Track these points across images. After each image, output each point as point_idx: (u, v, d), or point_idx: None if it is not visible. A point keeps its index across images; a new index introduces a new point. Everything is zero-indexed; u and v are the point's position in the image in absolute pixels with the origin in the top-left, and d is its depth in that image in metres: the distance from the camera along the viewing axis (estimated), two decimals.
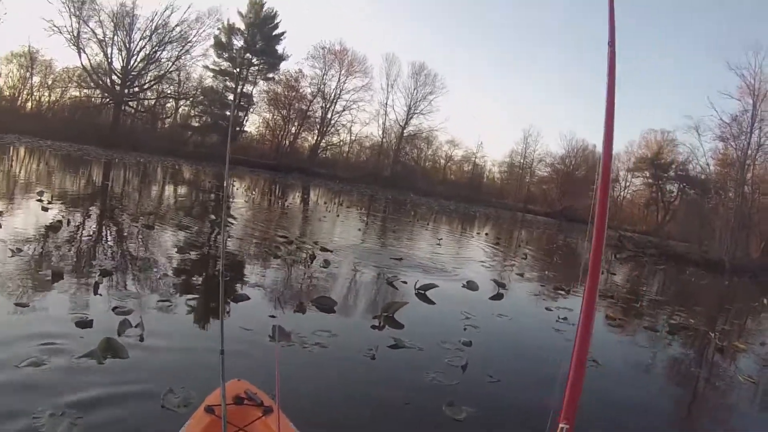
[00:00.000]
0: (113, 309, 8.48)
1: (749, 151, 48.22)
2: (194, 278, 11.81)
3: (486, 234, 37.84)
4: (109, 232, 15.80)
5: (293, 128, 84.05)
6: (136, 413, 5.53)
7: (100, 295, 9.22)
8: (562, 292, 17.69)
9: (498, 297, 15.06)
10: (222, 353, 4.12)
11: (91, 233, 15.03)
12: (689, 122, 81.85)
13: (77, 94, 67.09)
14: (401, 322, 10.55)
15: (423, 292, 13.43)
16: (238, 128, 77.38)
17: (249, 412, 4.26)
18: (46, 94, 66.08)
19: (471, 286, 15.34)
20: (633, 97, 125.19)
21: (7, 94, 63.29)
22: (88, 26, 62.70)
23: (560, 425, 1.85)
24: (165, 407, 5.70)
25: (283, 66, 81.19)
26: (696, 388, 10.56)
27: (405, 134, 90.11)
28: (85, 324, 7.62)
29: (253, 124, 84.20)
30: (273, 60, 78.62)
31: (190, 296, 10.15)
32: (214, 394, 4.47)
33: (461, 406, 6.86)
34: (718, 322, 18.21)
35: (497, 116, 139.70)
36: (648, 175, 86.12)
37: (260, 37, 76.15)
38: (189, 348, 7.67)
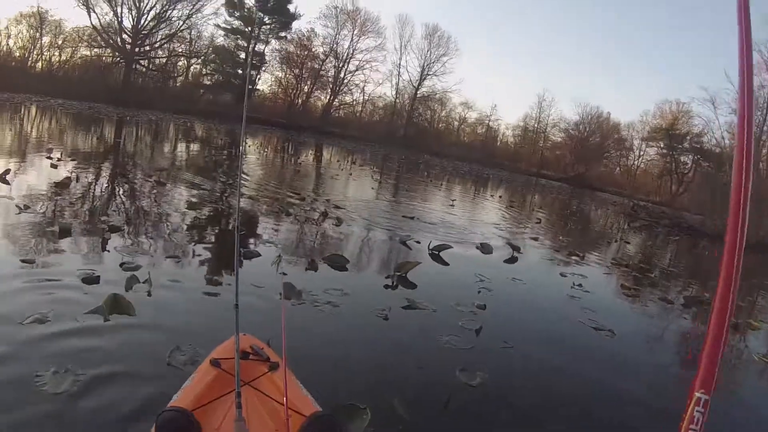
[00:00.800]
0: (121, 265, 8.28)
1: (765, 128, 47.65)
2: (205, 234, 11.64)
3: (499, 197, 37.72)
4: (119, 188, 15.46)
5: (306, 87, 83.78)
6: (142, 370, 5.38)
7: (108, 251, 9.04)
8: (576, 258, 17.47)
9: (512, 260, 14.85)
10: (236, 307, 4.05)
11: (101, 189, 14.82)
12: (705, 94, 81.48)
13: (88, 53, 66.58)
14: (414, 282, 10.38)
15: (437, 252, 13.26)
16: (250, 86, 76.77)
17: (255, 367, 4.15)
18: (57, 53, 65.42)
19: (485, 248, 15.14)
20: (648, 67, 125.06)
21: (18, 54, 62.82)
22: None
23: (696, 394, 1.63)
24: (171, 365, 5.57)
25: (295, 25, 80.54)
26: None
27: (418, 95, 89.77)
28: (91, 280, 7.45)
29: (265, 83, 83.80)
30: (285, 19, 77.80)
31: (200, 252, 10.02)
32: (221, 347, 4.39)
33: (475, 372, 6.66)
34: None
35: (512, 79, 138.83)
36: (662, 145, 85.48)
37: None
38: (198, 305, 7.48)
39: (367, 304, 8.64)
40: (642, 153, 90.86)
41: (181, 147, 32.95)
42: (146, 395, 4.92)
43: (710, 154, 69.04)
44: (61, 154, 18.31)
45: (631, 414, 6.84)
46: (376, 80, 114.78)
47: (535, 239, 20.22)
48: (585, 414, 6.59)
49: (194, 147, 34.37)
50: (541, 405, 6.54)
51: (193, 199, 14.58)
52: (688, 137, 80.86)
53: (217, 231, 12.31)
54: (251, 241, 11.44)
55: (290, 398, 3.48)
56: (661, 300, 13.99)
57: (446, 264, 12.67)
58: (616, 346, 9.32)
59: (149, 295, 7.30)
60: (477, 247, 15.21)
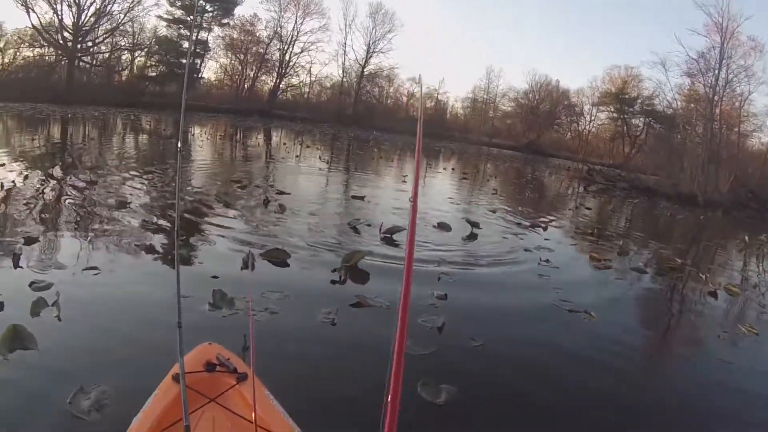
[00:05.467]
0: (30, 284, 6.93)
1: (717, 88, 48.06)
2: (131, 237, 10.01)
3: (452, 169, 37.00)
4: (47, 192, 13.45)
5: (251, 72, 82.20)
6: (38, 425, 4.34)
7: (22, 267, 7.64)
8: (540, 230, 16.64)
9: (472, 238, 13.88)
10: (179, 325, 3.44)
11: (27, 196, 12.60)
12: (655, 58, 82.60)
13: (30, 54, 64.11)
14: (366, 272, 9.34)
15: (389, 236, 12.17)
16: (195, 75, 75.65)
17: (221, 380, 3.81)
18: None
19: (443, 227, 14.19)
20: (597, 33, 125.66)
21: None
22: None
23: None
24: (73, 414, 4.44)
25: (238, 11, 78.59)
26: (700, 341, 9.41)
27: (365, 73, 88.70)
28: None
29: (210, 70, 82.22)
30: (227, 5, 76.01)
31: (121, 259, 8.75)
32: (185, 359, 3.66)
33: (440, 385, 5.59)
34: (704, 260, 17.58)
35: (460, 53, 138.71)
36: (613, 109, 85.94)
37: None
38: (113, 327, 6.19)
39: (310, 307, 7.43)
40: (593, 118, 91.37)
41: (126, 141, 30.99)
42: None
43: (662, 115, 69.17)
44: None
45: (625, 417, 5.90)
46: (322, 61, 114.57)
47: (493, 211, 19.32)
48: (571, 426, 5.59)
49: (139, 140, 32.69)
50: (520, 423, 5.49)
51: (125, 198, 12.96)
52: (639, 100, 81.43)
53: (144, 233, 10.64)
54: (180, 240, 10.00)
55: (260, 414, 3.24)
56: (633, 270, 13.21)
57: (400, 248, 11.49)
58: (597, 330, 8.42)
59: (59, 320, 6.06)
60: (434, 226, 14.25)
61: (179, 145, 4.13)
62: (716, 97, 48.50)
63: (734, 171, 45.70)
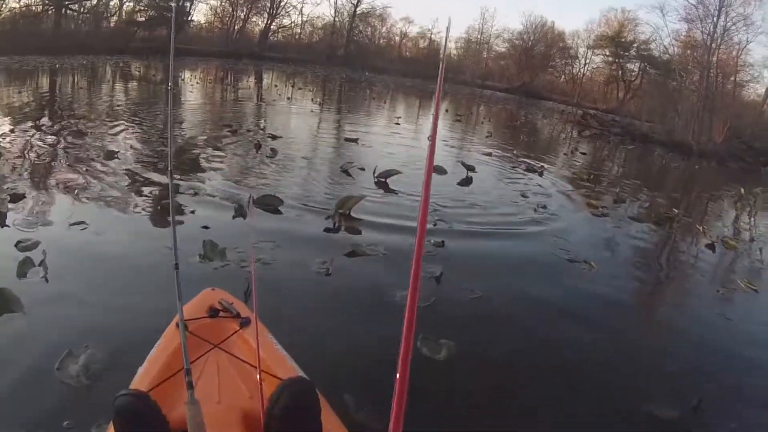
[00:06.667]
0: (17, 244, 6.56)
1: (715, 35, 47.63)
2: (121, 188, 9.62)
3: (445, 110, 36.32)
4: (32, 146, 12.58)
5: (242, 13, 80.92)
6: (24, 393, 4.06)
7: (8, 226, 7.23)
8: (535, 175, 16.40)
9: (467, 182, 13.73)
10: (176, 268, 3.15)
11: (11, 150, 11.89)
12: (653, 2, 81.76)
13: (17, 5, 62.69)
14: (359, 218, 9.10)
15: (383, 180, 11.95)
16: (185, 18, 73.88)
17: (225, 325, 3.80)
18: None
19: (438, 170, 13.77)
20: None
21: None
22: None
23: None
24: (61, 380, 4.20)
25: None
26: (698, 295, 9.20)
27: (358, 13, 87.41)
28: None
29: (200, 12, 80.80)
30: None
31: (110, 211, 8.39)
32: (188, 305, 3.84)
33: (439, 340, 5.38)
34: (699, 211, 17.54)
35: None
36: (608, 53, 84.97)
37: None
38: (105, 283, 5.95)
39: (304, 258, 7.22)
40: (587, 61, 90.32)
41: (116, 89, 30.07)
42: None
43: (658, 61, 68.54)
44: None
45: (625, 373, 5.78)
46: (314, 1, 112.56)
47: (489, 155, 19.11)
48: (574, 382, 5.43)
49: (129, 87, 31.82)
50: (522, 381, 5.30)
51: (115, 148, 12.44)
52: (635, 45, 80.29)
53: (133, 183, 10.14)
54: (166, 189, 9.56)
55: (264, 358, 3.17)
56: (630, 219, 13.02)
57: (395, 193, 11.35)
58: (598, 281, 8.26)
59: (46, 280, 5.77)
60: None
61: (170, 86, 3.84)
62: (713, 45, 47.91)
63: (729, 121, 45.50)
